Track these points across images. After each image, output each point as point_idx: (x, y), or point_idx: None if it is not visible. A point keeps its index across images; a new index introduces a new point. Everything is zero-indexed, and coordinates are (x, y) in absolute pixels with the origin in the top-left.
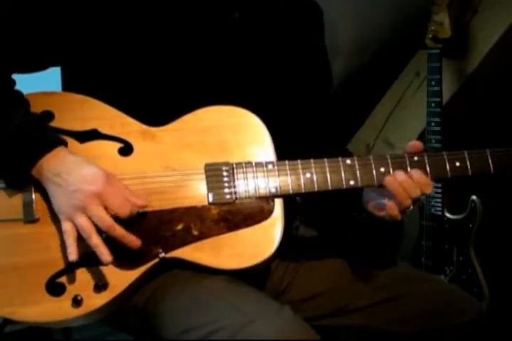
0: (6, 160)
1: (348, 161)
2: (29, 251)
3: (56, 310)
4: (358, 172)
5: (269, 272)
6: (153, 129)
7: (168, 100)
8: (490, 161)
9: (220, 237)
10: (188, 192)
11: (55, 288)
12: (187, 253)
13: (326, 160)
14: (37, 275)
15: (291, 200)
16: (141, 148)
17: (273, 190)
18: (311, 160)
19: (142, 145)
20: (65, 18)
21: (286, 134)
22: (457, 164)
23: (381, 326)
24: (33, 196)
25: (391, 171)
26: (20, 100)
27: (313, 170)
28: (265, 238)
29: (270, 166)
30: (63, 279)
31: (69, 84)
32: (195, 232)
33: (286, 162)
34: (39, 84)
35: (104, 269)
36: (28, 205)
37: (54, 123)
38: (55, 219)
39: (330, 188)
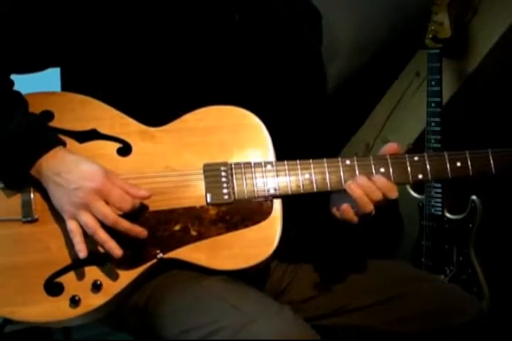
0: (5, 160)
1: (348, 161)
2: (28, 251)
3: (54, 310)
4: (357, 172)
5: (268, 272)
6: (153, 129)
7: (168, 100)
8: (491, 162)
9: (218, 238)
10: (186, 192)
11: (53, 288)
12: (185, 253)
13: (325, 160)
14: (36, 275)
15: (289, 201)
16: (140, 148)
17: (272, 191)
18: (310, 161)
19: (141, 146)
20: (65, 19)
21: (286, 134)
22: (458, 164)
23: (381, 326)
24: (32, 196)
25: (391, 171)
26: (19, 100)
27: (312, 170)
28: (264, 238)
29: (269, 166)
30: (61, 279)
31: (68, 84)
32: (194, 233)
33: (285, 162)
34: (38, 84)
35: (103, 269)
36: (26, 205)
37: (53, 123)
38: (54, 219)
39: (329, 189)
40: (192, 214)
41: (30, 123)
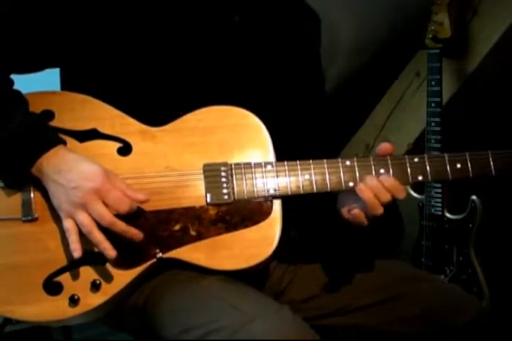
0: (5, 159)
1: (348, 162)
2: (27, 250)
3: (54, 309)
4: (357, 173)
5: (268, 272)
6: (153, 129)
7: (168, 100)
8: (491, 163)
9: (218, 238)
10: (186, 192)
11: (52, 287)
12: (184, 253)
13: (325, 161)
14: (35, 275)
15: (289, 201)
16: (140, 148)
17: (271, 191)
18: (310, 161)
19: (142, 145)
20: (65, 19)
21: (286, 135)
22: (458, 166)
23: (381, 326)
24: (32, 195)
25: (391, 172)
26: (20, 100)
27: (312, 171)
28: (263, 239)
29: (269, 167)
30: (60, 278)
31: (68, 84)
32: (193, 233)
33: (285, 163)
34: (38, 84)
35: (102, 269)
36: (26, 204)
37: (54, 123)
38: (54, 219)
39: (329, 190)
40: (192, 214)
41: (31, 122)
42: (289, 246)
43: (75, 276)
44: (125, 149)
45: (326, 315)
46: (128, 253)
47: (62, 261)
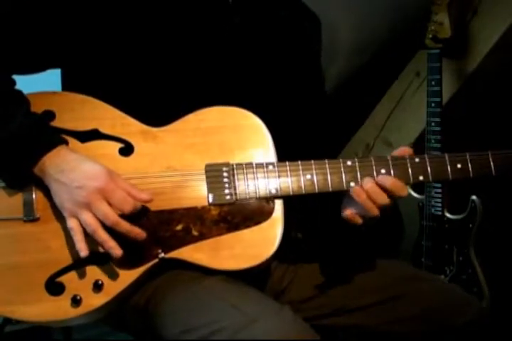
0: (7, 159)
1: (349, 162)
2: (29, 250)
3: (55, 309)
4: (358, 173)
5: (269, 272)
6: (155, 129)
7: (170, 101)
8: (491, 164)
9: (220, 238)
10: (188, 192)
11: (54, 288)
12: (186, 253)
13: (326, 161)
14: (37, 275)
15: (291, 201)
16: (142, 148)
17: (273, 191)
18: (312, 161)
19: (143, 146)
20: (66, 19)
21: (286, 135)
22: (458, 166)
23: (381, 326)
24: (34, 195)
25: (391, 172)
26: (21, 100)
27: (313, 171)
28: (265, 239)
29: (271, 167)
30: (63, 279)
31: (69, 84)
32: (195, 233)
33: (287, 163)
34: (39, 84)
35: (104, 269)
36: (28, 204)
37: (55, 123)
38: (56, 219)
39: (330, 190)
40: (193, 215)
41: (32, 122)
42: (289, 246)
43: (78, 276)
44: (127, 149)
45: (326, 315)
46: (130, 254)
47: (64, 261)
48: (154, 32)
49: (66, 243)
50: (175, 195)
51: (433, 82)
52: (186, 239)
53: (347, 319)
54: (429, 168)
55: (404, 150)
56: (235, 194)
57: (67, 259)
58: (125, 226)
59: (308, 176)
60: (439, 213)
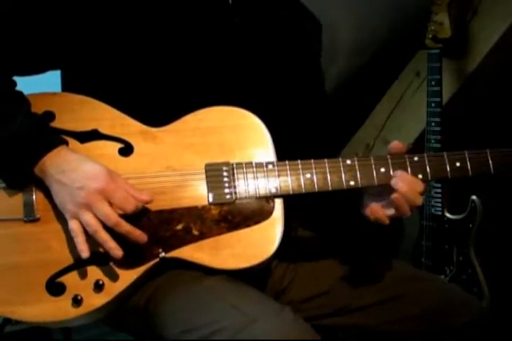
0: (7, 160)
1: (348, 161)
2: (29, 250)
3: (56, 309)
4: (358, 172)
5: (269, 271)
6: (154, 130)
7: (169, 101)
8: (490, 162)
9: (220, 237)
10: (188, 192)
11: (55, 288)
12: (187, 253)
13: (326, 160)
14: (37, 275)
15: (291, 201)
16: (141, 148)
17: (273, 190)
18: (312, 161)
19: (143, 146)
20: (66, 20)
21: (286, 134)
22: (457, 165)
23: (381, 326)
24: (34, 195)
25: (391, 171)
26: (21, 101)
27: (313, 170)
28: (265, 238)
29: (270, 166)
30: (63, 279)
31: (69, 85)
32: (195, 232)
33: (287, 162)
34: (39, 84)
35: (105, 269)
36: (28, 205)
37: (55, 124)
38: (56, 219)
39: (330, 189)
40: (194, 214)
41: (33, 123)
42: (290, 246)
43: (78, 277)
44: (126, 150)
45: (326, 315)
46: (131, 253)
47: (65, 262)
48: (154, 32)
49: (66, 243)
50: (175, 194)
51: (433, 82)
52: (187, 238)
53: (347, 319)
54: (428, 167)
55: (396, 144)
56: (235, 193)
57: (67, 259)
58: (126, 227)
59: (308, 175)
60: (439, 213)
